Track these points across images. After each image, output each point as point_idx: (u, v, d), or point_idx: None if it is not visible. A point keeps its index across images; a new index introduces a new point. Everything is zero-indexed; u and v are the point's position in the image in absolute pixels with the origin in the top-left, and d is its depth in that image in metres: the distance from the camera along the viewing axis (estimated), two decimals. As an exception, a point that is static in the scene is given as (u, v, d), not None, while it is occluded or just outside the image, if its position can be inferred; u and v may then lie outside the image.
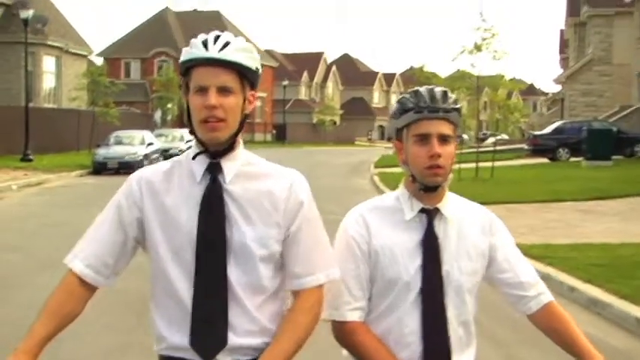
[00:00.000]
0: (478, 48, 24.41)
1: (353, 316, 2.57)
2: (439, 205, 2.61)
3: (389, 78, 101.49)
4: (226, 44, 2.40)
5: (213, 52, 2.39)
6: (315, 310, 2.48)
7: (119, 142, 31.93)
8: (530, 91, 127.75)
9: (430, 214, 2.60)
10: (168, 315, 2.47)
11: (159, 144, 33.94)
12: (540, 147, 35.27)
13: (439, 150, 2.52)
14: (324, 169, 32.77)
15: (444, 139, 2.54)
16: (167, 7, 74.78)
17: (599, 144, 29.11)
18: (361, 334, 2.55)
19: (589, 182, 21.95)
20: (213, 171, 2.45)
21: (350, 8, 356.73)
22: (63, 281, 2.48)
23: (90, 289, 2.50)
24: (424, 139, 2.54)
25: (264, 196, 2.46)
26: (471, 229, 2.65)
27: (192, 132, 2.44)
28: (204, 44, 2.41)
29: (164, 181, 2.50)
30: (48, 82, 44.14)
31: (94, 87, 40.66)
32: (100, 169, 29.34)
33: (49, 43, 42.73)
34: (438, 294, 2.56)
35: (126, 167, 27.85)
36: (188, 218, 2.43)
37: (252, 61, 2.45)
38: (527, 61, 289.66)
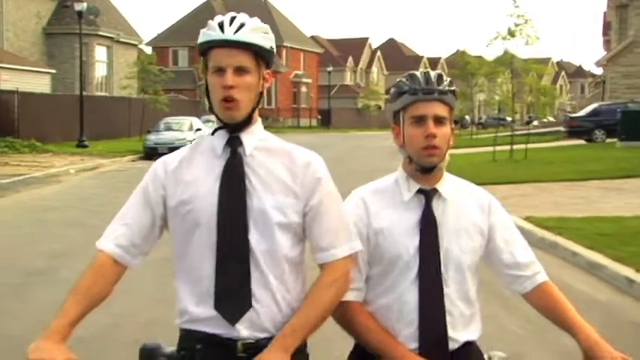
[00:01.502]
0: (512, 34, 25.02)
1: (349, 296, 2.61)
2: (437, 186, 2.65)
3: (434, 62, 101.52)
4: (241, 25, 2.47)
5: (229, 33, 2.45)
6: (337, 284, 2.51)
7: (168, 128, 33.18)
8: (578, 73, 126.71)
9: (428, 195, 2.64)
10: (191, 287, 2.51)
11: (206, 129, 34.70)
12: (577, 129, 35.26)
13: (435, 130, 2.57)
14: (366, 150, 33.67)
15: (439, 120, 2.59)
16: (214, -5, 75.98)
17: (633, 125, 29.07)
18: (357, 313, 2.62)
19: (619, 162, 22.30)
20: (234, 144, 2.53)
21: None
22: (93, 263, 2.55)
23: (118, 270, 2.56)
24: (420, 120, 2.58)
25: (283, 168, 2.52)
26: (470, 208, 2.69)
27: (211, 109, 2.55)
28: (221, 26, 2.47)
29: (186, 160, 2.59)
30: (100, 71, 45.61)
31: (144, 75, 41.76)
32: (151, 154, 29.94)
33: (101, 33, 44.22)
34: (435, 272, 2.60)
35: (175, 152, 28.88)
36: (209, 189, 2.49)
37: (266, 40, 2.51)
38: (576, 43, 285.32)
